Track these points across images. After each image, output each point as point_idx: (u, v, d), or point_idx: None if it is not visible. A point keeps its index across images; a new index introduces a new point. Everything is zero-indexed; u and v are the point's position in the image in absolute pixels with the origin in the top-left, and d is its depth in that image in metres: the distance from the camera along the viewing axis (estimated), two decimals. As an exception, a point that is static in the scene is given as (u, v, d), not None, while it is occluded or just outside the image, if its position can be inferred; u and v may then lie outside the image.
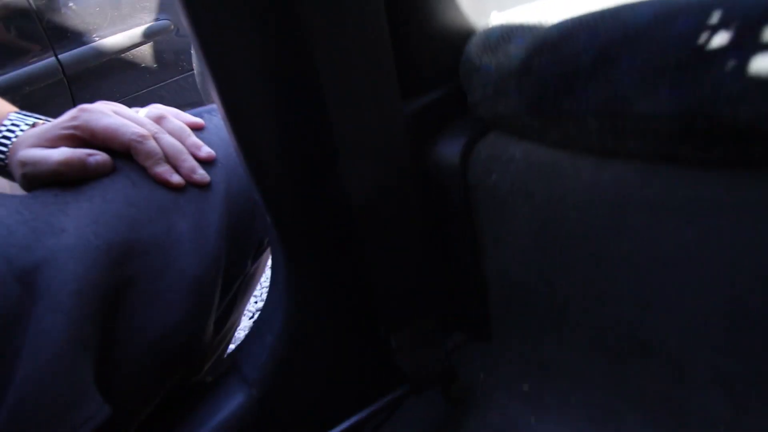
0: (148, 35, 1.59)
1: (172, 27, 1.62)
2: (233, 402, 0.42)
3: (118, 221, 0.38)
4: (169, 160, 0.43)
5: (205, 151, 0.45)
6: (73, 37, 1.52)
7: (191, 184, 0.43)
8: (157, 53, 1.62)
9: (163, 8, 1.60)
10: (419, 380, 0.43)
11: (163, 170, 0.42)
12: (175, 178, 0.42)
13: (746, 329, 0.36)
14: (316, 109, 0.35)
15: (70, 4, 1.54)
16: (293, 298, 0.41)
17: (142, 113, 0.45)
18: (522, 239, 0.45)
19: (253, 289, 0.60)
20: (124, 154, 0.42)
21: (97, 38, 1.53)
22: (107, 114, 0.42)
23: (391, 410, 0.49)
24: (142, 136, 0.41)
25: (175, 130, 0.45)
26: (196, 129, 0.48)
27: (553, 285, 0.46)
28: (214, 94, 0.34)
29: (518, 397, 0.48)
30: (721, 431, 0.40)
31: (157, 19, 1.61)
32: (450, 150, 0.44)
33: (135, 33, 1.57)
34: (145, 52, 1.61)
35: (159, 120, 0.45)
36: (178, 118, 0.47)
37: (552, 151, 0.41)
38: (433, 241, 0.49)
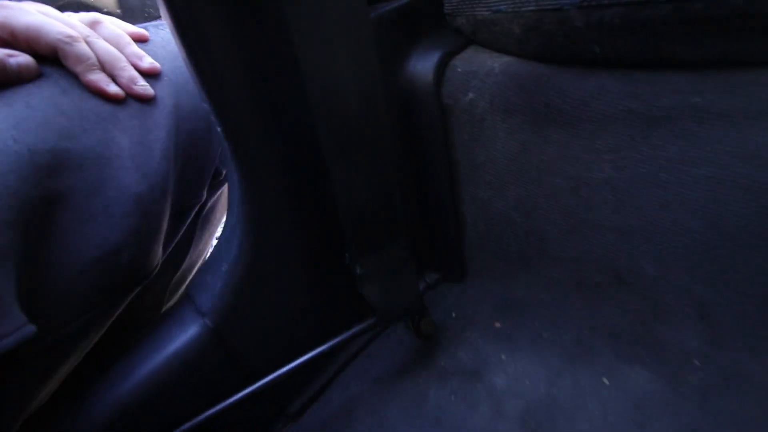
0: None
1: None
2: (186, 333, 0.39)
3: (44, 129, 0.34)
4: (105, 67, 0.38)
5: (148, 61, 0.40)
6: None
7: (132, 97, 0.39)
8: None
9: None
10: (386, 311, 0.41)
11: (98, 78, 0.37)
12: (113, 88, 0.37)
13: (725, 250, 0.34)
14: (274, 13, 0.31)
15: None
16: (250, 222, 0.38)
17: (74, 18, 0.40)
18: (500, 163, 0.42)
19: (216, 226, 0.56)
20: (53, 59, 0.37)
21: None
22: (30, 12, 0.37)
23: (359, 346, 0.47)
24: (71, 36, 0.36)
25: (111, 37, 0.40)
26: (139, 40, 0.43)
27: (531, 215, 0.43)
28: (162, 8, 0.30)
29: (489, 334, 0.46)
30: (695, 365, 0.38)
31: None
32: (423, 64, 0.41)
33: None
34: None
35: (93, 25, 0.40)
36: (117, 26, 0.42)
37: (533, 64, 0.38)
38: (406, 166, 0.45)
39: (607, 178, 0.38)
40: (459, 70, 0.40)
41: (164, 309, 0.52)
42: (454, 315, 0.49)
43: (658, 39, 0.30)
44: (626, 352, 0.41)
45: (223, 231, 0.41)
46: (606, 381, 0.39)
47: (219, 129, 0.34)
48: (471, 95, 0.40)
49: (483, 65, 0.40)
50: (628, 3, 0.29)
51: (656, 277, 0.39)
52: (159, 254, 0.40)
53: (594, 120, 0.36)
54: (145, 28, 0.45)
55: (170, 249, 0.45)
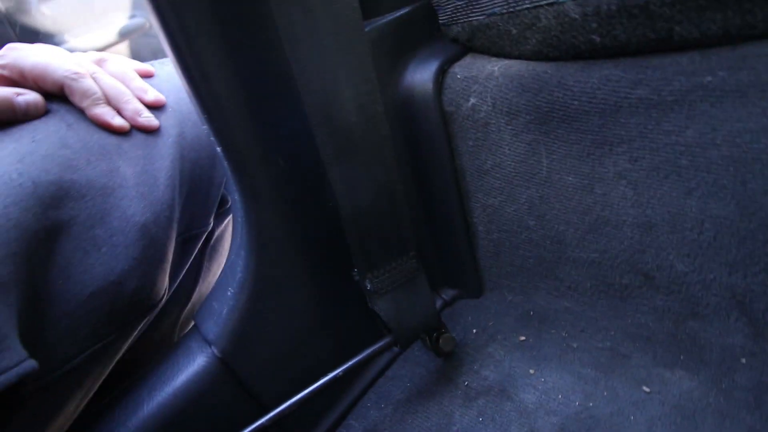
0: (123, 34, 1.55)
1: (148, 25, 1.58)
2: (194, 364, 0.37)
3: (48, 162, 0.34)
4: (111, 101, 0.39)
5: (153, 94, 0.41)
6: (45, 39, 1.48)
7: (136, 128, 0.39)
8: (134, 52, 1.59)
9: (137, 5, 1.57)
10: (401, 329, 0.39)
11: (103, 111, 0.38)
12: (117, 121, 0.38)
13: (760, 235, 0.32)
14: (270, 34, 0.31)
15: (41, 6, 1.50)
16: (254, 244, 0.37)
17: (80, 56, 0.41)
18: (508, 168, 0.41)
19: (225, 256, 0.55)
20: (60, 96, 0.38)
21: (70, 39, 1.50)
22: (38, 53, 0.38)
23: (378, 370, 0.45)
24: (77, 73, 0.37)
25: (117, 73, 0.41)
26: (145, 76, 0.44)
27: (546, 218, 0.42)
28: (163, 40, 0.30)
29: (514, 348, 0.44)
30: (742, 363, 0.35)
31: (132, 17, 1.58)
32: (422, 74, 0.40)
33: (109, 32, 1.53)
34: (121, 51, 1.57)
35: (99, 62, 0.41)
36: (122, 63, 0.43)
37: (534, 63, 0.37)
38: (411, 177, 0.45)
39: (621, 171, 0.36)
40: (458, 76, 0.40)
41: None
42: (474, 331, 0.47)
43: (657, 21, 0.29)
44: (664, 356, 0.38)
45: (228, 255, 0.40)
46: (646, 389, 0.36)
47: (219, 150, 0.34)
48: (473, 100, 0.40)
49: (482, 70, 0.39)
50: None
51: (687, 272, 0.36)
52: (165, 284, 0.39)
53: (602, 112, 0.35)
54: (151, 65, 0.46)
55: (178, 280, 0.44)
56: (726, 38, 0.29)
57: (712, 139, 0.31)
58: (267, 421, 0.35)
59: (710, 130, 0.31)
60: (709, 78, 0.30)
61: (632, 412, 0.35)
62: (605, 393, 0.37)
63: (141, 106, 0.40)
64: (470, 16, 0.37)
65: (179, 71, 0.31)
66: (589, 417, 0.36)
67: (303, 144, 0.36)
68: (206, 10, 0.30)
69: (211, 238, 0.49)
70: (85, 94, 0.37)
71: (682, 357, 0.37)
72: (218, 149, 0.34)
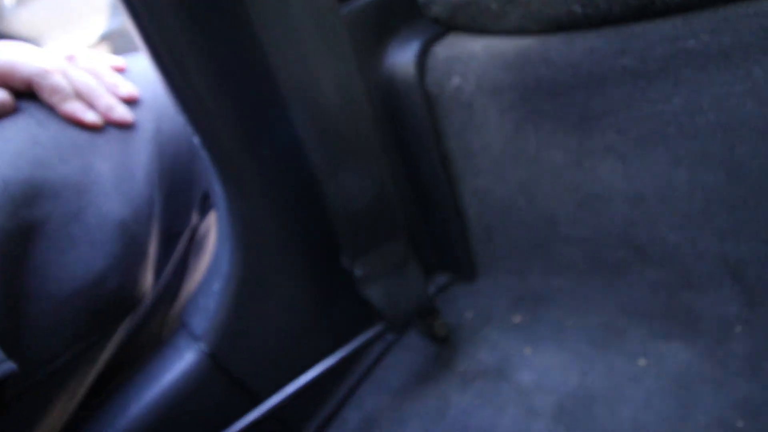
0: (103, 37, 1.52)
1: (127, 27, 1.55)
2: (182, 361, 0.36)
3: (18, 160, 0.32)
4: (82, 97, 0.37)
5: (127, 88, 0.40)
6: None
7: (110, 123, 0.38)
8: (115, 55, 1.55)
9: (116, 8, 1.54)
10: (393, 315, 0.38)
11: (74, 107, 0.36)
12: (90, 117, 0.37)
13: (751, 201, 0.31)
14: (245, 25, 0.30)
15: (18, 11, 1.47)
16: (238, 235, 0.36)
17: (49, 52, 0.40)
18: (495, 148, 0.40)
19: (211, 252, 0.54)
20: (29, 94, 0.37)
21: (48, 44, 1.47)
22: (4, 50, 0.37)
23: (372, 359, 0.44)
24: (45, 69, 0.36)
25: (88, 68, 0.40)
26: (117, 71, 0.42)
27: (536, 197, 0.41)
28: (133, 31, 0.29)
29: (510, 330, 0.43)
30: (737, 332, 0.35)
31: (112, 20, 1.55)
32: (403, 56, 0.40)
33: (88, 36, 1.51)
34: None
35: (69, 58, 0.40)
36: (94, 57, 0.41)
37: (516, 40, 0.37)
38: (397, 162, 0.44)
39: (609, 144, 0.36)
40: (441, 56, 0.39)
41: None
42: (469, 315, 0.46)
43: None
44: (660, 328, 0.38)
45: (214, 249, 0.39)
46: (642, 362, 0.36)
47: (196, 140, 0.33)
48: (456, 81, 0.39)
49: (465, 49, 0.39)
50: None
51: (679, 243, 0.36)
52: (149, 282, 0.38)
53: (587, 85, 0.34)
54: (124, 59, 0.45)
55: (163, 278, 0.43)
56: (707, 1, 0.28)
57: (699, 106, 0.31)
58: (261, 414, 0.35)
59: (696, 97, 0.31)
60: (692, 42, 0.29)
61: (629, 386, 0.35)
62: (602, 369, 0.37)
63: (114, 101, 0.39)
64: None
65: (152, 62, 0.30)
66: (586, 394, 0.36)
67: (283, 131, 0.35)
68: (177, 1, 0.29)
69: (195, 234, 0.48)
70: (55, 90, 0.36)
71: (677, 329, 0.37)
72: (196, 140, 0.33)
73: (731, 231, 0.33)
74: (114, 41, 1.62)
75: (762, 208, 0.31)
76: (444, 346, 0.44)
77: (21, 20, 1.47)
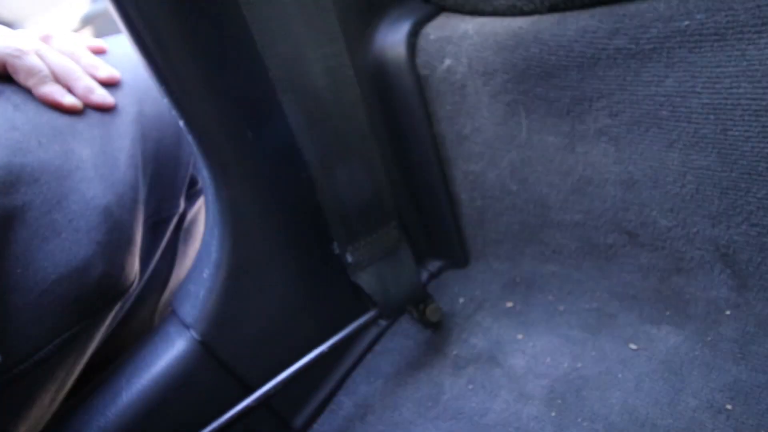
0: (85, 20, 1.48)
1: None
2: (173, 349, 0.36)
3: None
4: (60, 79, 0.36)
5: (106, 71, 0.39)
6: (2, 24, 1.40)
7: (90, 106, 0.37)
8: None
9: (99, -10, 1.49)
10: (386, 301, 0.38)
11: (51, 90, 0.35)
12: (68, 100, 0.36)
13: (742, 184, 0.31)
14: (230, 3, 0.29)
15: (-4, -7, 1.42)
16: (227, 221, 0.35)
17: (23, 33, 0.38)
18: (487, 131, 0.40)
19: (200, 239, 0.53)
20: (4, 77, 0.35)
21: (29, 27, 1.42)
22: None
23: (365, 345, 0.44)
24: (19, 50, 0.35)
25: (65, 49, 0.38)
26: (97, 53, 0.41)
27: (528, 181, 0.41)
28: (113, 11, 0.28)
29: (502, 315, 0.43)
30: (726, 315, 0.35)
31: (94, 2, 1.51)
32: (393, 36, 0.39)
33: (70, 18, 1.46)
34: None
35: (45, 39, 0.38)
36: (71, 39, 0.40)
37: (508, 20, 0.36)
38: (388, 146, 0.43)
39: (602, 127, 0.35)
40: (432, 37, 0.38)
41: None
42: (461, 300, 0.46)
43: None
44: (650, 313, 0.38)
45: (203, 236, 0.39)
46: (633, 346, 0.36)
47: (181, 123, 0.32)
48: (448, 62, 0.38)
49: (456, 29, 0.38)
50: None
51: (671, 227, 0.36)
52: (135, 269, 0.37)
53: (580, 66, 0.34)
54: (104, 41, 0.43)
55: (152, 265, 0.43)
56: (704, -22, 0.28)
57: (692, 87, 0.30)
58: (253, 401, 0.35)
59: (690, 78, 0.30)
60: (687, 22, 0.29)
61: (620, 370, 0.35)
62: (593, 353, 0.37)
63: (94, 83, 0.37)
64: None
65: (132, 42, 0.29)
66: (577, 377, 0.36)
67: (271, 112, 0.34)
68: None
69: (184, 221, 0.48)
70: (30, 72, 0.35)
71: (667, 313, 0.37)
72: (181, 124, 0.32)
73: (722, 215, 0.33)
74: (96, 24, 1.58)
75: (753, 191, 0.31)
76: (436, 332, 0.43)
77: (2, 3, 1.43)
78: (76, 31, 1.56)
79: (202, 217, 0.51)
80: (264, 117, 0.34)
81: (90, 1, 1.51)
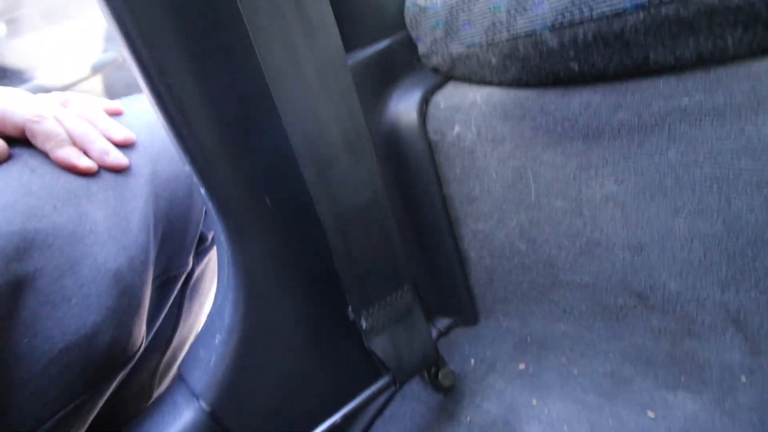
0: (95, 69, 1.53)
1: (121, 59, 1.57)
2: (180, 420, 0.35)
3: (10, 211, 0.32)
4: (76, 142, 0.37)
5: (122, 132, 0.40)
6: (13, 76, 1.45)
7: (105, 168, 0.37)
8: (107, 87, 1.56)
9: (110, 39, 1.55)
10: (400, 367, 0.37)
11: (68, 153, 0.36)
12: (84, 162, 0.36)
13: (749, 251, 0.32)
14: (254, 76, 0.31)
15: (9, 42, 1.47)
16: (242, 286, 0.35)
17: (43, 98, 0.40)
18: (496, 193, 0.41)
19: (206, 296, 0.53)
20: (23, 141, 0.36)
21: (40, 76, 1.47)
22: None
23: (375, 410, 0.43)
24: (39, 115, 0.36)
25: (82, 112, 0.39)
26: (113, 114, 0.42)
27: (537, 242, 0.41)
28: (138, 76, 0.29)
29: (515, 378, 0.42)
30: (742, 381, 0.35)
31: (104, 51, 1.56)
32: (406, 104, 0.40)
33: (81, 67, 1.51)
34: (94, 86, 1.55)
35: (64, 103, 0.40)
36: (89, 102, 0.41)
37: (515, 91, 0.38)
38: (401, 208, 0.44)
39: (609, 193, 0.36)
40: (442, 105, 0.40)
41: (155, 394, 0.48)
42: (473, 361, 0.45)
43: (633, 48, 0.30)
44: (665, 378, 0.37)
45: (214, 300, 0.38)
46: (651, 414, 0.36)
47: (202, 190, 0.33)
48: (457, 129, 0.40)
49: (465, 98, 0.40)
50: (598, 18, 0.29)
51: (680, 290, 0.36)
52: (143, 332, 0.36)
53: (585, 136, 0.35)
54: (120, 102, 0.44)
55: (157, 325, 0.42)
56: (700, 62, 0.30)
57: (695, 159, 0.32)
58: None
59: (692, 150, 0.32)
60: (686, 100, 0.31)
61: (640, 439, 0.34)
62: (611, 421, 0.36)
63: (109, 146, 0.38)
64: (450, 47, 0.38)
65: (157, 110, 0.30)
66: (596, 447, 0.35)
67: (290, 180, 0.35)
68: (182, 44, 0.29)
69: (191, 278, 0.47)
70: (48, 136, 0.36)
71: (683, 378, 0.37)
72: (202, 191, 0.33)
73: (731, 280, 0.34)
74: (106, 72, 1.62)
75: (760, 259, 0.32)
76: (449, 396, 0.43)
77: (13, 51, 1.47)
78: (85, 78, 1.60)
79: (209, 274, 0.51)
80: (282, 184, 0.35)
81: (101, 50, 1.56)
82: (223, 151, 0.32)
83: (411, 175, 0.42)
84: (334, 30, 0.30)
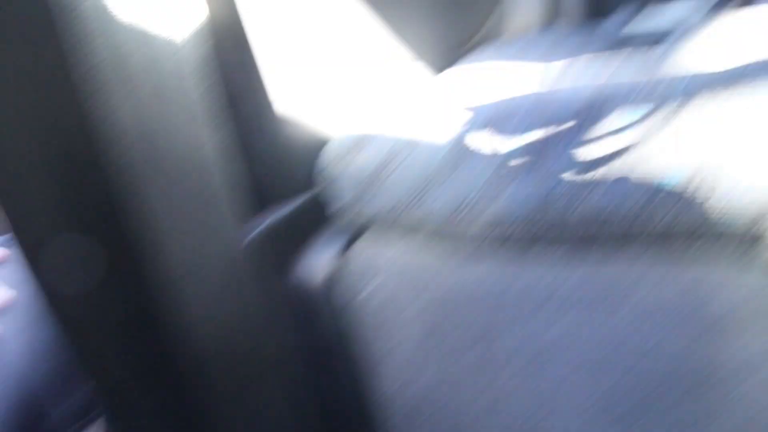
0: None
1: None
2: None
3: None
4: None
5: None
6: None
7: None
8: None
9: None
10: None
11: None
12: None
13: (652, 406, 0.35)
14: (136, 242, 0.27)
15: None
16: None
17: None
18: (403, 354, 0.40)
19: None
20: None
21: None
22: None
23: None
24: None
25: None
26: None
27: (443, 402, 0.41)
28: None
29: None
30: None
31: None
32: (312, 267, 0.39)
33: None
34: None
35: None
36: None
37: (422, 255, 0.40)
38: (306, 379, 0.40)
39: (509, 355, 0.38)
40: (350, 266, 0.40)
41: None
42: None
43: (520, 247, 0.34)
44: None
45: None
46: None
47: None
48: (364, 291, 0.40)
49: (374, 260, 0.40)
50: (487, 223, 0.33)
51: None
52: None
53: (485, 304, 0.38)
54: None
55: None
56: (574, 260, 0.35)
57: (581, 335, 0.36)
58: None
59: (579, 327, 0.36)
60: (566, 287, 0.35)
61: None
62: None
63: None
64: (359, 212, 0.39)
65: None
66: None
67: (176, 363, 0.30)
68: None
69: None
70: None
71: None
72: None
73: (629, 416, 0.36)
74: None
75: (654, 413, 0.35)
76: None
77: None
78: None
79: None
80: (166, 361, 0.29)
81: None
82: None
83: (319, 341, 0.40)
84: (228, 204, 0.29)
